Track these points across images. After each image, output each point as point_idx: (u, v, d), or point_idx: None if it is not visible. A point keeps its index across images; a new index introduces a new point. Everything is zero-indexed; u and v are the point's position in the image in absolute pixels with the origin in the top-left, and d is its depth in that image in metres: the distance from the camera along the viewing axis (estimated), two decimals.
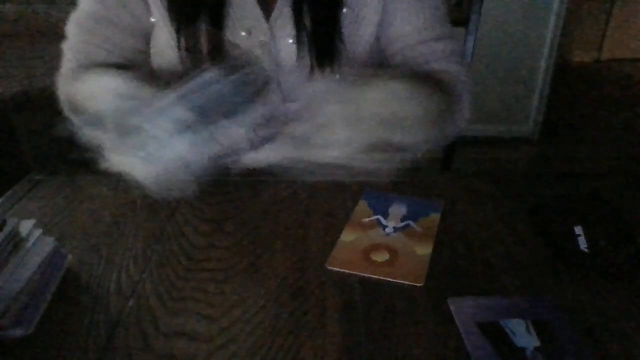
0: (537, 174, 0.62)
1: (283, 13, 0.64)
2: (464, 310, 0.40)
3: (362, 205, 0.54)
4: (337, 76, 0.67)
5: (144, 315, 0.39)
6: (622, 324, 0.39)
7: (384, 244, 0.48)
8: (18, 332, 0.37)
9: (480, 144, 2.63)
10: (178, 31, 0.63)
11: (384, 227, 0.51)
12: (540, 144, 2.71)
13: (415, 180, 0.60)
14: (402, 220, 0.52)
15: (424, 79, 0.64)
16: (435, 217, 0.52)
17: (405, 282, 0.43)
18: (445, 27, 0.70)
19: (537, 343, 0.37)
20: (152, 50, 0.69)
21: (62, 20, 0.73)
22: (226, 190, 0.57)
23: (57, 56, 0.74)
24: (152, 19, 0.68)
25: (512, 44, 2.54)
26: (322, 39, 0.64)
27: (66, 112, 0.65)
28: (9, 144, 1.38)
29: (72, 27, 0.71)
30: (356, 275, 0.44)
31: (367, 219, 0.52)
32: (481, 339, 0.37)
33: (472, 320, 0.39)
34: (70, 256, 0.45)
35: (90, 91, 0.58)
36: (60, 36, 0.72)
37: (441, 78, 0.67)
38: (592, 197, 0.50)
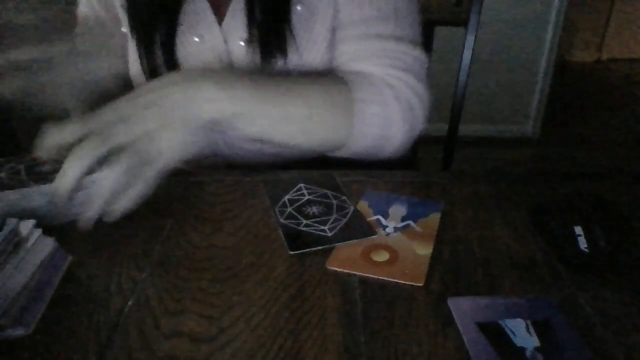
0: (537, 174, 0.61)
1: (235, 16, 0.63)
2: (464, 310, 0.40)
3: (363, 205, 0.54)
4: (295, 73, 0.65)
5: (144, 315, 0.40)
6: (622, 324, 0.39)
7: (384, 244, 0.48)
8: (18, 332, 0.37)
9: (480, 144, 2.63)
10: (139, 40, 0.64)
11: (384, 227, 0.51)
12: (540, 144, 2.71)
13: (415, 180, 0.60)
14: (402, 220, 0.52)
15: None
16: (435, 217, 0.52)
17: (405, 282, 0.43)
18: (398, 27, 0.64)
19: (537, 343, 0.37)
20: (130, 60, 0.70)
21: None
22: (226, 190, 0.57)
23: None
24: (123, 29, 0.69)
25: (512, 43, 2.54)
26: (270, 30, 0.62)
27: None
28: (9, 144, 1.38)
29: None
30: (356, 275, 0.44)
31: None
32: (481, 339, 0.37)
33: (472, 320, 0.39)
34: (70, 256, 0.45)
35: None
36: None
37: (355, 82, 0.61)
38: (592, 197, 0.50)
